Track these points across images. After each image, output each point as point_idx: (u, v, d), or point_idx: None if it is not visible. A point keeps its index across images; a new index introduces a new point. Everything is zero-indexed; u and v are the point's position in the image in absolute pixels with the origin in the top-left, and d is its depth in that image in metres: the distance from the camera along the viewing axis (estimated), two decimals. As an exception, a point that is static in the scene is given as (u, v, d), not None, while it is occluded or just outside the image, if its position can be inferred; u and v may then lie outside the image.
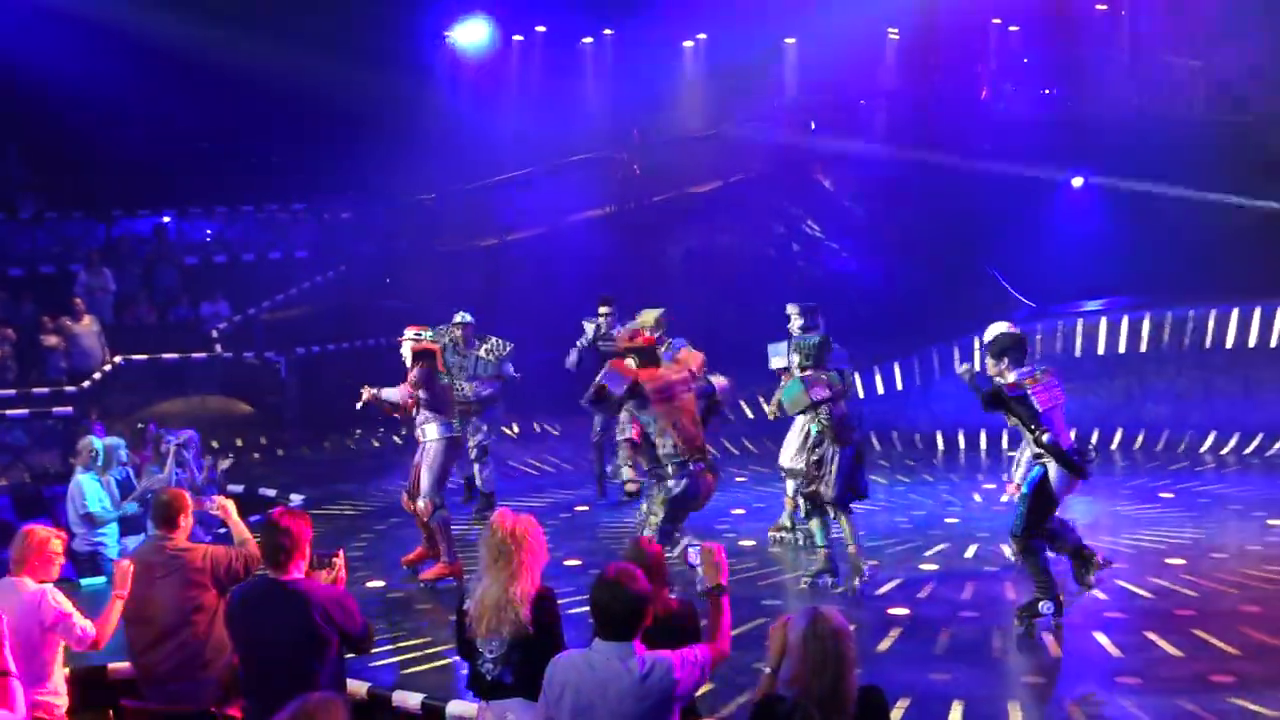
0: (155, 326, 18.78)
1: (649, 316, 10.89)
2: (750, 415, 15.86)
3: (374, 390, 9.36)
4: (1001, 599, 8.72)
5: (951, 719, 6.52)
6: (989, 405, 7.93)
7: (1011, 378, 7.83)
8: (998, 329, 9.06)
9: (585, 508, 12.17)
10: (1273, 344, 15.27)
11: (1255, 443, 14.28)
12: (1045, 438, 7.66)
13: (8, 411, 15.21)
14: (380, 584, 9.48)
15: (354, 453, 15.97)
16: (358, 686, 6.81)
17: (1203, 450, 14.42)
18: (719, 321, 17.54)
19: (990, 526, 10.65)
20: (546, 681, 4.54)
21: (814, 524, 9.11)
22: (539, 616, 5.04)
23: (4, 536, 9.64)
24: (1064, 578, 8.14)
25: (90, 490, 10.08)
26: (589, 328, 12.45)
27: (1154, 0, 22.77)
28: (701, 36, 23.07)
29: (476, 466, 11.74)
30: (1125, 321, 16.14)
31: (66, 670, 6.23)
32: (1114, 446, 14.81)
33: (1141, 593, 8.75)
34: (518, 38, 22.92)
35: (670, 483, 8.29)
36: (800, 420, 9.28)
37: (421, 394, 9.16)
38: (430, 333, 9.59)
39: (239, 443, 15.94)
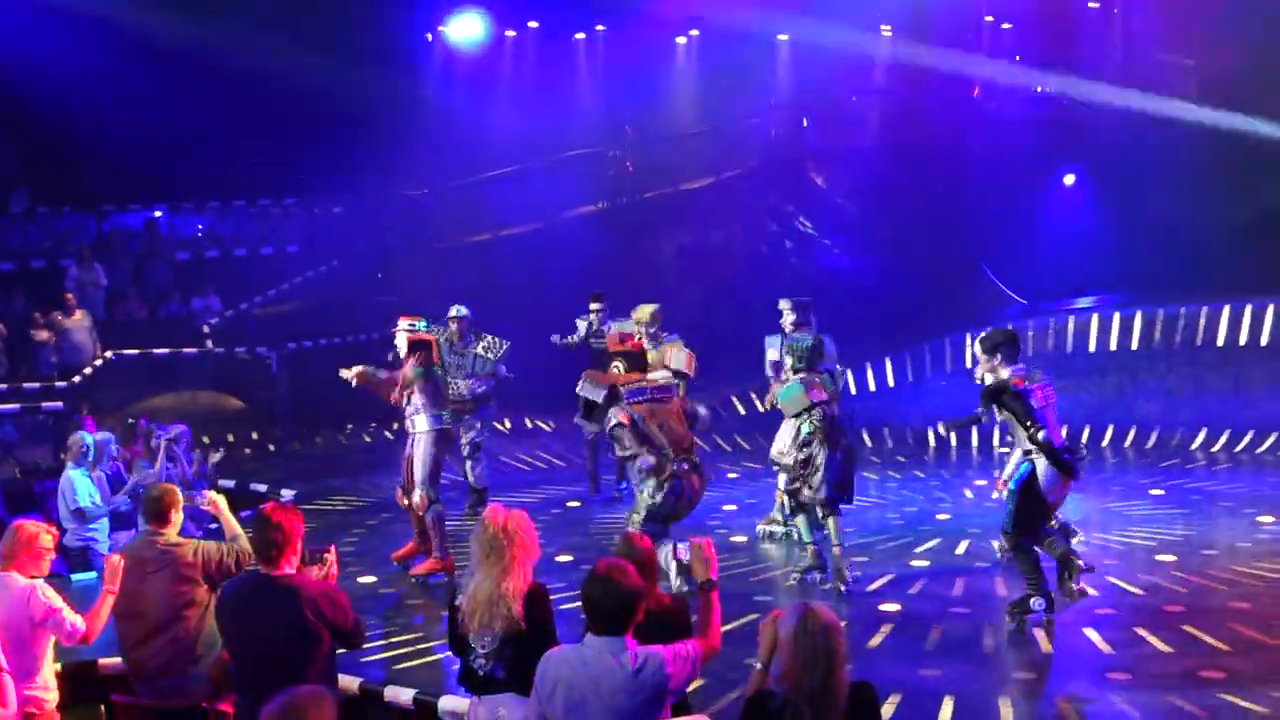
0: (146, 321, 18.78)
1: (644, 312, 10.90)
2: (742, 411, 15.88)
3: (364, 367, 9.35)
4: (993, 595, 8.74)
5: (942, 715, 6.52)
6: (989, 400, 7.93)
7: (1005, 374, 7.84)
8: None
9: (577, 503, 12.17)
10: (1263, 342, 15.32)
11: (1245, 440, 14.31)
12: (1041, 435, 7.66)
13: (-2, 406, 15.21)
14: (372, 579, 9.48)
15: (345, 448, 15.97)
16: (350, 682, 6.81)
17: (1193, 447, 14.46)
18: (711, 318, 17.57)
19: (981, 523, 10.67)
20: (539, 677, 4.54)
21: (799, 521, 9.15)
22: (531, 612, 5.04)
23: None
24: (1053, 574, 8.15)
25: (81, 485, 10.06)
26: (581, 326, 12.45)
27: (1146, -2, 22.81)
28: (694, 33, 23.05)
29: (469, 463, 11.74)
30: (1116, 319, 16.19)
31: (58, 665, 6.23)
32: (1105, 443, 14.84)
33: (1132, 589, 8.77)
34: (510, 33, 22.89)
35: (651, 482, 8.24)
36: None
37: (416, 387, 9.15)
38: (424, 323, 9.57)
39: (230, 438, 15.92)
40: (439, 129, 20.51)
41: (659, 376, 8.92)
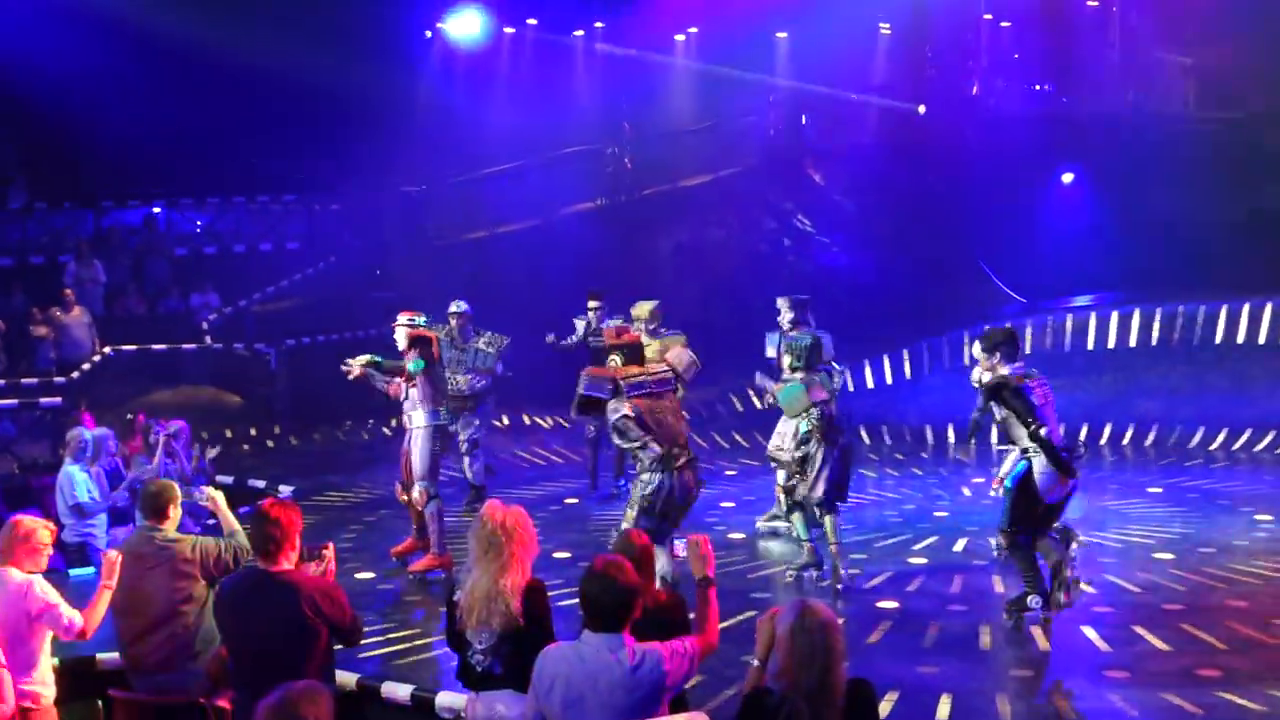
0: (145, 317, 18.77)
1: (644, 309, 10.87)
2: (740, 409, 15.87)
3: (367, 362, 9.32)
4: (990, 593, 8.74)
5: (940, 712, 6.53)
6: (989, 397, 7.93)
7: (1004, 372, 7.84)
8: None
9: (575, 500, 12.16)
10: (1261, 340, 15.33)
11: (1244, 438, 14.31)
12: (1043, 431, 7.65)
13: (-3, 402, 15.20)
14: (370, 575, 9.47)
15: (344, 444, 15.96)
16: (347, 678, 6.81)
17: (1191, 445, 14.45)
18: (710, 315, 17.56)
19: (979, 520, 10.67)
20: (536, 673, 4.55)
21: (795, 518, 9.15)
22: (529, 608, 5.04)
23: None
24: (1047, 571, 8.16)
25: (79, 481, 10.05)
26: (580, 325, 12.43)
27: (1145, -5, 22.81)
28: (693, 30, 23.03)
29: (466, 460, 11.74)
30: (1115, 317, 16.19)
31: (55, 660, 6.23)
32: (1103, 441, 14.84)
33: (1130, 587, 8.78)
34: (509, 30, 22.86)
35: (646, 476, 8.22)
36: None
37: (418, 381, 9.13)
38: (424, 318, 9.55)
39: (228, 434, 15.89)
40: (438, 126, 20.50)
41: (658, 369, 8.86)
